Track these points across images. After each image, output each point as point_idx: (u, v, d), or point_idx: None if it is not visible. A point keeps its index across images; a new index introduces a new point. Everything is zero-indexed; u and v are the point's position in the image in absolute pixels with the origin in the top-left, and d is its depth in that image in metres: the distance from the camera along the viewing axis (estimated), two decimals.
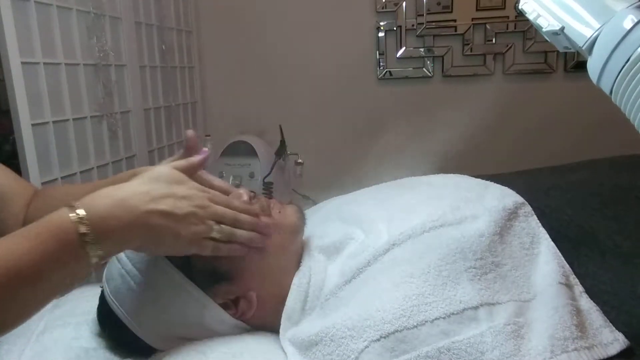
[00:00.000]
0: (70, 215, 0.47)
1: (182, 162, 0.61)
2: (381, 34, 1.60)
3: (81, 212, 0.47)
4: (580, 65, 1.51)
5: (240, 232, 0.59)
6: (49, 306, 0.75)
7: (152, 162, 1.40)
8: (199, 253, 0.56)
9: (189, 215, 0.54)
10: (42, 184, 0.95)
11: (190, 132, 0.70)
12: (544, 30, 0.57)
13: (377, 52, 1.62)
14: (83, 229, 0.46)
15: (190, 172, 0.61)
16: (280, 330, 0.62)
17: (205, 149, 0.66)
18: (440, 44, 1.58)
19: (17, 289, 0.44)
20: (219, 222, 0.57)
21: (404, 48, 1.60)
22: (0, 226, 0.68)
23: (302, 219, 0.71)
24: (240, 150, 1.45)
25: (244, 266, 0.62)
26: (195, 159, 0.63)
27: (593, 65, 0.52)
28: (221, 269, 0.62)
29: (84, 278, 0.50)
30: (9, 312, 0.45)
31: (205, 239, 0.56)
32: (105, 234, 0.48)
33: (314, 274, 0.66)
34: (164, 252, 0.57)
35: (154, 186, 0.53)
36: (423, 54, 1.59)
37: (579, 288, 0.61)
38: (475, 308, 0.55)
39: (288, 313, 0.63)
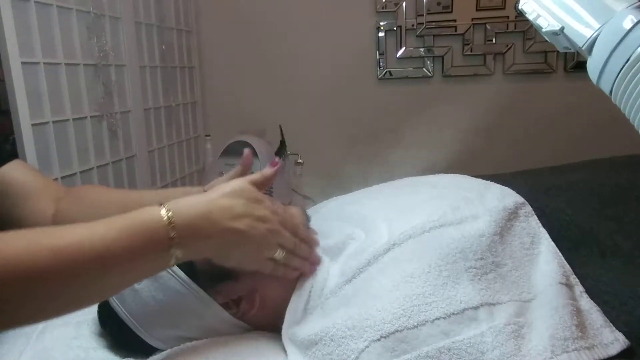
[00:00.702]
0: (162, 215, 0.50)
1: (258, 177, 0.64)
2: (381, 34, 1.60)
3: (172, 215, 0.50)
4: (580, 65, 1.51)
5: (296, 260, 0.62)
6: None
7: (152, 162, 1.40)
8: (259, 270, 0.60)
9: (261, 238, 0.57)
10: None
11: (246, 151, 0.74)
12: (544, 30, 0.57)
13: (377, 52, 1.62)
14: (172, 233, 0.49)
15: (265, 185, 0.65)
16: (282, 329, 0.62)
17: (277, 160, 0.68)
18: (440, 44, 1.58)
19: (104, 274, 0.47)
20: (282, 247, 0.60)
21: (404, 48, 1.60)
22: (27, 221, 0.70)
23: (307, 220, 0.71)
24: (240, 150, 1.45)
25: None
26: (269, 172, 0.66)
27: (593, 66, 0.52)
28: (225, 269, 0.62)
29: (154, 274, 0.53)
30: (94, 290, 0.48)
31: (267, 259, 0.59)
32: (188, 241, 0.51)
33: (317, 274, 0.66)
34: (231, 264, 0.58)
35: (235, 202, 0.56)
36: (423, 54, 1.59)
37: (579, 288, 0.61)
38: (476, 308, 0.55)
39: (291, 312, 0.63)
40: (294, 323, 0.62)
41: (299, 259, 0.63)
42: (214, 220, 0.53)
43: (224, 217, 0.54)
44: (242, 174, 0.72)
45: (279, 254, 0.59)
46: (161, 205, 0.51)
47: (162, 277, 0.61)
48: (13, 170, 0.71)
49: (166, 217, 0.50)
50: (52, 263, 0.43)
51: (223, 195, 0.56)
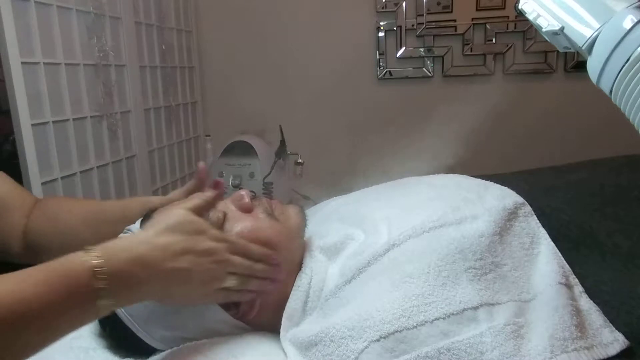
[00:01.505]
0: (87, 264, 0.46)
1: (198, 202, 0.58)
2: (381, 34, 1.60)
3: (99, 264, 0.46)
4: (580, 65, 1.51)
5: (253, 282, 0.59)
6: None
7: (152, 162, 1.40)
8: (210, 303, 0.59)
9: (206, 272, 0.54)
10: (42, 184, 0.95)
11: (201, 165, 0.71)
12: (544, 30, 0.57)
13: (377, 52, 1.62)
14: (100, 284, 0.45)
15: (207, 209, 0.60)
16: (281, 331, 0.62)
17: (220, 180, 0.65)
18: (440, 44, 1.58)
19: (20, 333, 0.43)
20: (234, 274, 0.57)
21: (404, 48, 1.60)
22: (1, 235, 0.69)
23: (304, 220, 0.71)
24: (240, 150, 1.45)
25: None
26: (210, 195, 0.60)
27: (593, 65, 0.52)
28: None
29: (81, 327, 0.49)
30: (10, 352, 0.43)
31: (218, 290, 0.57)
32: (121, 290, 0.47)
33: (315, 275, 0.66)
34: (176, 303, 0.57)
35: (172, 239, 0.52)
36: (423, 54, 1.59)
37: (578, 288, 0.61)
38: (475, 308, 0.55)
39: (289, 313, 0.63)
40: (292, 325, 0.62)
41: (256, 280, 0.60)
42: (150, 264, 0.49)
43: (160, 258, 0.50)
44: (196, 188, 0.70)
45: (230, 282, 0.56)
46: (87, 251, 0.47)
47: None
48: None
49: (91, 264, 0.45)
50: None
51: (158, 232, 0.52)
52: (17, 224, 0.71)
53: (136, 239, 0.52)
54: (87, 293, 0.45)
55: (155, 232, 0.52)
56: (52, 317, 0.44)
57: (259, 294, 0.62)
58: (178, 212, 0.55)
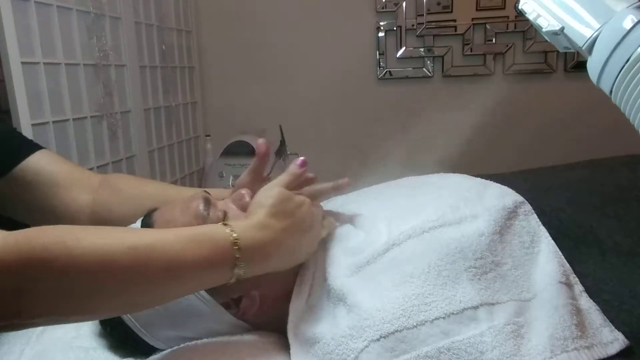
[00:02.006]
0: (228, 235, 0.52)
1: (287, 177, 0.66)
2: (381, 34, 1.60)
3: (237, 237, 0.52)
4: (580, 65, 1.51)
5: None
6: None
7: (152, 162, 1.40)
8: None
9: (313, 235, 0.62)
10: None
11: (261, 141, 0.74)
12: (544, 30, 0.57)
13: (377, 52, 1.62)
14: (237, 254, 0.51)
15: (296, 182, 0.67)
16: (288, 326, 0.62)
17: (304, 160, 0.70)
18: (440, 44, 1.58)
19: (167, 279, 0.48)
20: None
21: (404, 48, 1.60)
22: (60, 211, 0.71)
23: None
24: (240, 150, 1.46)
25: None
26: (297, 170, 0.68)
27: (593, 65, 0.52)
28: None
29: (213, 286, 0.54)
30: (148, 298, 0.49)
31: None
32: (250, 264, 0.53)
33: (317, 269, 0.66)
34: (301, 261, 0.63)
35: (282, 220, 0.58)
36: (423, 54, 1.59)
37: (579, 287, 0.61)
38: (475, 308, 0.55)
39: (294, 308, 0.63)
40: (297, 319, 0.62)
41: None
42: (274, 244, 0.56)
43: (280, 237, 0.56)
44: (260, 166, 0.73)
45: (324, 231, 0.65)
46: (225, 225, 0.53)
47: None
48: (41, 159, 0.72)
49: (231, 237, 0.51)
50: (127, 260, 0.44)
51: (268, 214, 0.57)
52: (84, 200, 0.72)
53: (255, 224, 0.56)
54: (228, 257, 0.51)
55: (265, 214, 0.57)
56: (196, 271, 0.49)
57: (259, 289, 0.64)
58: (274, 192, 0.60)
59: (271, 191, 0.60)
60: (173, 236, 0.49)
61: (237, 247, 0.51)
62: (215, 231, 0.52)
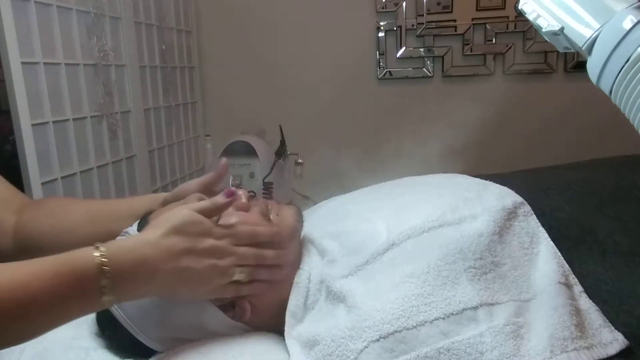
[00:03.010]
0: (95, 260, 0.48)
1: (206, 205, 0.59)
2: (381, 34, 1.60)
3: (105, 262, 0.48)
4: (580, 65, 1.51)
5: (262, 271, 0.61)
6: None
7: (152, 162, 1.40)
8: (220, 297, 0.59)
9: (209, 269, 0.55)
10: (42, 184, 0.95)
11: (223, 160, 0.71)
12: (543, 30, 0.57)
13: (377, 52, 1.62)
14: (105, 282, 0.48)
15: (214, 214, 0.60)
16: (286, 327, 0.62)
17: (234, 190, 0.61)
18: (440, 44, 1.58)
19: (21, 320, 0.45)
20: (242, 266, 0.58)
21: (404, 48, 1.60)
22: None
23: (299, 221, 0.71)
24: (240, 150, 1.45)
25: None
26: (222, 201, 0.60)
27: (593, 66, 0.52)
28: None
29: (87, 314, 0.52)
30: (13, 335, 0.46)
31: (225, 285, 0.58)
32: (125, 288, 0.50)
33: (313, 270, 0.66)
34: (182, 300, 0.59)
35: (175, 240, 0.53)
36: (423, 54, 1.59)
37: (578, 288, 0.61)
38: (475, 308, 0.55)
39: (292, 310, 0.63)
40: (296, 321, 0.62)
41: (266, 270, 0.61)
42: (152, 266, 0.51)
43: (162, 260, 0.51)
44: (212, 183, 0.70)
45: (239, 276, 0.57)
46: (95, 248, 0.49)
47: None
48: None
49: (99, 262, 0.48)
50: None
51: (164, 233, 0.53)
52: (8, 220, 0.70)
53: (142, 240, 0.53)
54: (92, 288, 0.48)
55: (162, 233, 0.53)
56: (56, 307, 0.47)
57: (266, 287, 0.62)
58: (184, 213, 0.56)
59: (181, 211, 0.56)
60: (32, 274, 0.46)
61: (104, 274, 0.48)
62: (80, 259, 0.48)
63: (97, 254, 0.48)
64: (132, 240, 0.54)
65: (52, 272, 0.47)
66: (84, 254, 0.48)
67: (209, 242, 0.56)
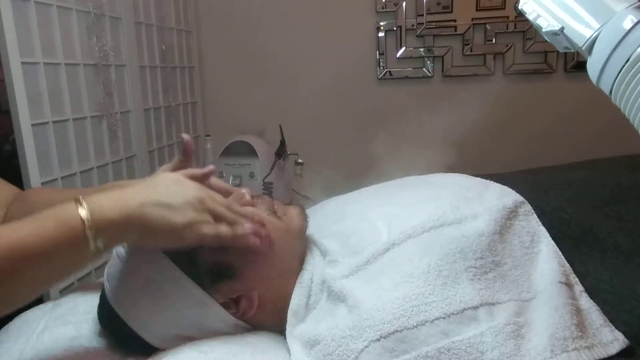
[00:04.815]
0: (78, 215, 0.49)
1: (196, 171, 0.62)
2: (381, 34, 1.60)
3: (89, 216, 0.49)
4: (580, 65, 1.51)
5: (238, 228, 0.58)
6: (49, 305, 0.75)
7: (152, 162, 1.40)
8: (200, 243, 0.56)
9: (185, 205, 0.54)
10: (42, 184, 0.95)
11: (186, 137, 0.69)
12: (543, 30, 0.57)
13: (377, 52, 1.62)
14: (90, 233, 0.49)
15: (201, 180, 0.62)
16: (287, 327, 0.62)
17: (211, 167, 0.65)
18: (440, 44, 1.58)
19: (21, 268, 0.46)
20: (213, 213, 0.57)
21: (404, 48, 1.60)
22: None
23: (305, 221, 0.71)
24: (240, 150, 1.45)
25: (248, 265, 0.63)
26: (197, 171, 0.62)
27: (593, 66, 0.52)
28: (224, 267, 0.62)
29: (85, 266, 0.52)
30: (16, 289, 0.48)
31: (204, 228, 0.55)
32: (104, 225, 0.50)
33: (316, 270, 0.66)
34: (163, 243, 0.56)
35: (152, 183, 0.56)
36: (423, 54, 1.59)
37: (579, 287, 0.61)
38: (475, 308, 0.55)
39: (294, 310, 0.63)
40: (298, 321, 0.62)
41: (241, 227, 0.58)
42: (128, 199, 0.52)
43: (138, 195, 0.53)
44: (184, 164, 0.68)
45: (215, 227, 0.56)
46: (78, 203, 0.50)
47: (161, 277, 0.60)
48: None
49: (78, 204, 0.50)
50: None
51: (142, 183, 0.56)
52: None
53: (123, 195, 0.53)
54: (76, 227, 0.49)
55: (139, 183, 0.56)
56: (49, 250, 0.48)
57: (255, 282, 0.62)
58: (162, 174, 0.60)
59: (168, 173, 0.61)
60: (17, 226, 0.48)
61: (91, 227, 0.49)
62: (64, 211, 0.49)
63: (81, 209, 0.49)
64: (114, 195, 0.53)
65: (39, 224, 0.48)
66: (67, 208, 0.50)
67: (185, 186, 0.57)
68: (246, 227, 0.58)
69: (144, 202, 0.53)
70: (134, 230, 0.52)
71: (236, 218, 0.59)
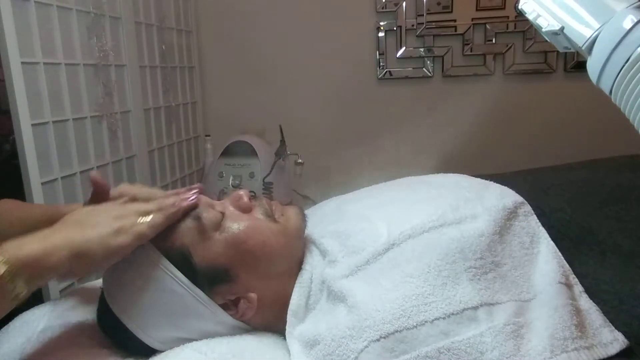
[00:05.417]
0: None
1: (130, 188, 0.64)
2: (381, 34, 1.60)
3: (3, 253, 0.48)
4: (580, 65, 1.51)
5: (171, 209, 0.60)
6: (49, 305, 0.75)
7: (152, 162, 1.40)
8: (137, 242, 0.56)
9: (107, 218, 0.56)
10: (42, 184, 0.95)
11: (93, 173, 0.68)
12: (543, 30, 0.57)
13: (377, 52, 1.62)
14: (10, 285, 0.47)
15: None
16: (287, 327, 0.62)
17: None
18: (440, 44, 1.58)
19: None
20: (140, 210, 0.58)
21: (404, 48, 1.60)
22: None
23: (304, 221, 0.71)
24: (240, 150, 1.46)
25: (244, 268, 0.63)
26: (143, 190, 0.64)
27: (593, 65, 0.52)
28: (221, 271, 0.62)
29: (10, 309, 0.50)
30: None
31: (137, 227, 0.57)
32: (25, 270, 0.49)
33: (315, 270, 0.66)
34: (98, 259, 0.55)
35: (69, 219, 0.56)
36: (423, 54, 1.59)
37: (578, 288, 0.61)
38: (475, 308, 0.55)
39: (293, 310, 0.63)
40: (298, 321, 0.62)
41: (166, 206, 0.60)
42: (46, 235, 0.52)
43: (58, 229, 0.54)
44: (99, 197, 0.67)
45: (144, 219, 0.57)
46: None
47: (160, 280, 0.60)
48: None
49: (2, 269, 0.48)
50: None
51: (61, 222, 0.56)
52: None
53: (43, 232, 0.53)
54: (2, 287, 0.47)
55: (58, 225, 0.55)
56: None
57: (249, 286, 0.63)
58: (76, 210, 0.59)
59: None
60: None
61: (9, 276, 0.47)
62: None
63: None
64: (30, 238, 0.52)
65: None
66: None
67: (103, 209, 0.58)
68: (169, 201, 0.60)
69: (67, 230, 0.53)
70: (63, 264, 0.51)
71: (160, 203, 0.60)
